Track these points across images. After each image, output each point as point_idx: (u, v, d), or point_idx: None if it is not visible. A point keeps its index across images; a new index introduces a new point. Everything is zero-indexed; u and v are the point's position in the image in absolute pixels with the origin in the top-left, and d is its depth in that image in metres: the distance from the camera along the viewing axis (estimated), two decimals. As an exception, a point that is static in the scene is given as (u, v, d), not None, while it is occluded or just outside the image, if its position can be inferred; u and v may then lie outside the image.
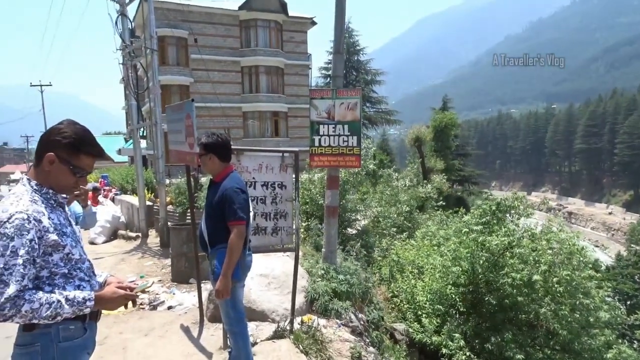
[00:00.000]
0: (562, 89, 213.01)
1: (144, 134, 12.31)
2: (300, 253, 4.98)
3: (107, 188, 15.78)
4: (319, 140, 5.69)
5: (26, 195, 1.75)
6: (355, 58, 34.70)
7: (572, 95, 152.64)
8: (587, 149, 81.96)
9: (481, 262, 6.64)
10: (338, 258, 6.28)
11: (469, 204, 23.44)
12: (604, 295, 7.30)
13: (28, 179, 1.83)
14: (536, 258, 6.60)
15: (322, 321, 4.79)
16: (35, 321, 1.64)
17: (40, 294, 1.65)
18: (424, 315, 6.83)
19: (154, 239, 10.40)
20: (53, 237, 1.74)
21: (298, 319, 4.57)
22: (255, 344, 4.11)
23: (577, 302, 6.48)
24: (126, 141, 34.39)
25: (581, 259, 6.96)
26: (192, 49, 25.93)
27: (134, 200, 12.21)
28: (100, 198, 13.85)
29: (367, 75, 34.95)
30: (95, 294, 1.81)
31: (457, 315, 6.88)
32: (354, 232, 10.27)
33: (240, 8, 27.82)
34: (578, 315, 6.49)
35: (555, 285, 6.44)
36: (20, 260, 1.61)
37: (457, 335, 6.21)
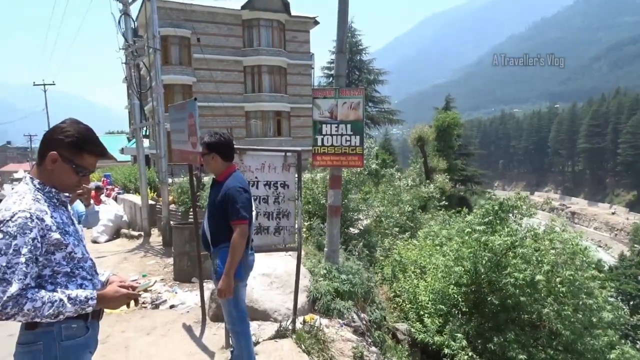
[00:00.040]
0: (565, 88, 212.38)
1: (147, 133, 12.34)
2: (303, 252, 4.98)
3: (109, 187, 15.82)
4: (322, 139, 5.69)
5: (29, 194, 1.75)
6: (358, 58, 34.69)
7: (575, 95, 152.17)
8: (590, 148, 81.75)
9: (484, 262, 6.62)
10: (340, 258, 6.28)
11: (472, 203, 23.40)
12: (607, 295, 7.27)
13: (31, 177, 1.83)
14: (539, 258, 6.58)
15: (325, 321, 4.79)
16: (37, 320, 1.64)
17: (43, 292, 1.65)
18: (426, 315, 6.82)
19: (156, 238, 10.41)
20: (56, 235, 1.74)
21: (300, 319, 4.57)
22: (257, 343, 4.11)
23: (580, 303, 6.46)
24: (129, 140, 34.46)
25: (584, 259, 6.94)
26: (194, 49, 25.97)
27: (136, 199, 12.23)
28: (103, 197, 13.87)
29: (369, 74, 34.94)
30: (98, 292, 1.81)
31: (460, 315, 6.87)
32: (356, 231, 10.27)
33: (243, 7, 27.83)
34: (581, 316, 6.47)
35: (558, 286, 6.41)
36: (22, 259, 1.61)
37: (459, 335, 6.19)
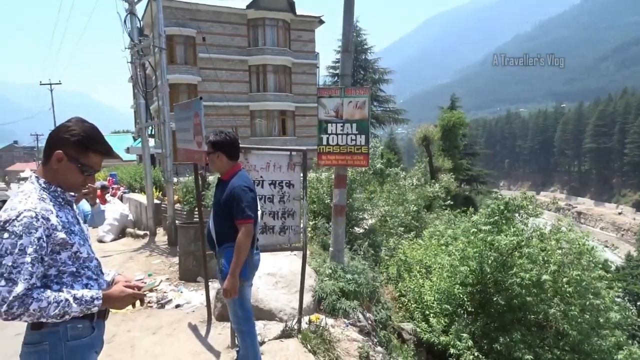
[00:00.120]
0: (571, 88, 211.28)
1: (152, 133, 12.37)
2: (308, 252, 4.96)
3: (115, 186, 15.87)
4: (327, 139, 5.67)
5: (34, 193, 1.74)
6: (363, 57, 34.65)
7: (581, 95, 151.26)
8: (596, 148, 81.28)
9: (489, 261, 6.59)
10: (345, 257, 6.27)
11: (477, 203, 23.33)
12: (614, 296, 7.23)
13: (36, 176, 1.83)
14: (545, 258, 6.54)
15: (330, 320, 4.78)
16: (43, 320, 1.64)
17: (49, 292, 1.65)
18: (431, 314, 6.80)
19: (161, 237, 10.44)
20: (61, 235, 1.74)
21: (306, 318, 4.56)
22: (262, 343, 4.10)
23: (587, 303, 6.42)
24: (134, 140, 34.62)
25: (591, 259, 6.89)
26: (200, 48, 26.03)
27: (142, 198, 12.27)
28: (108, 197, 13.93)
29: (374, 74, 34.89)
30: (103, 292, 1.80)
31: (465, 315, 6.84)
32: (361, 231, 10.25)
33: (248, 7, 27.86)
34: (588, 316, 6.43)
35: (565, 286, 6.38)
36: (28, 259, 1.61)
37: (465, 335, 6.17)
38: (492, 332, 6.53)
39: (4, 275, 1.57)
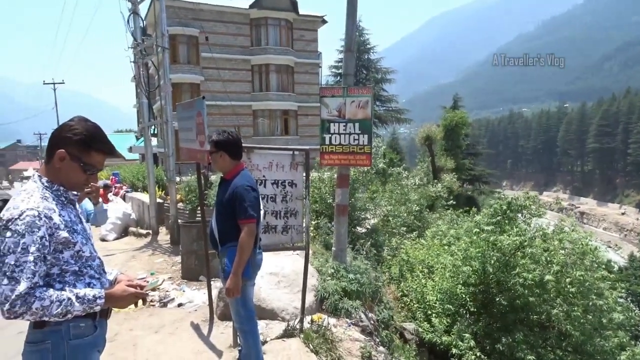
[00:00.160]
0: (574, 87, 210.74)
1: (155, 132, 12.38)
2: (310, 252, 4.96)
3: (118, 185, 15.90)
4: (330, 138, 5.67)
5: (37, 192, 1.75)
6: (366, 57, 34.63)
7: (585, 94, 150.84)
8: (599, 148, 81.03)
9: (492, 261, 6.58)
10: (348, 257, 6.27)
11: (480, 203, 23.31)
12: (617, 296, 7.21)
13: (39, 175, 1.83)
14: (548, 258, 6.53)
15: (332, 320, 4.78)
16: (45, 319, 1.64)
17: (51, 291, 1.65)
18: (433, 314, 6.79)
19: (164, 236, 10.45)
20: (64, 234, 1.74)
21: (308, 318, 4.56)
22: (265, 342, 4.10)
23: (590, 303, 6.40)
24: (137, 139, 34.66)
25: (594, 259, 6.87)
26: (203, 48, 26.04)
27: (144, 197, 12.29)
28: (111, 196, 13.95)
29: (377, 73, 34.88)
30: (106, 291, 1.80)
31: (468, 315, 6.83)
32: (364, 230, 10.25)
33: (251, 6, 27.86)
34: (591, 317, 6.41)
35: (568, 286, 6.36)
36: (31, 257, 1.61)
37: (467, 335, 6.16)
38: (495, 333, 6.52)
39: (7, 274, 1.58)
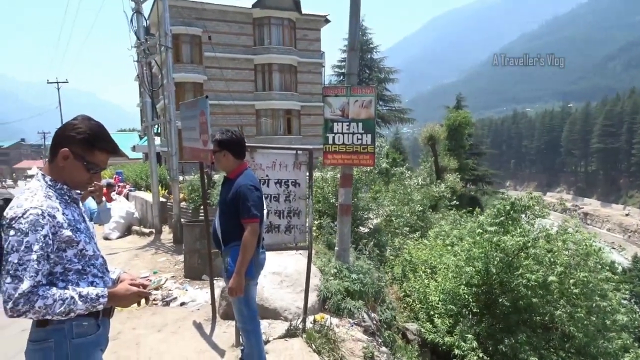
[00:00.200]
0: (578, 87, 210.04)
1: (158, 131, 12.40)
2: (313, 251, 4.96)
3: (121, 184, 15.93)
4: (333, 138, 5.65)
5: (40, 191, 1.75)
6: (369, 56, 34.59)
7: (588, 94, 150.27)
8: (603, 148, 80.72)
9: (495, 262, 6.56)
10: (351, 257, 6.26)
11: (483, 203, 23.25)
12: (621, 298, 7.17)
13: (43, 174, 1.83)
14: (552, 259, 6.50)
15: (335, 320, 4.77)
16: (48, 317, 1.64)
17: (54, 290, 1.65)
18: (436, 315, 6.77)
19: (167, 235, 10.47)
20: (67, 233, 1.74)
21: (310, 318, 4.55)
22: (267, 342, 4.10)
23: (594, 305, 6.36)
24: (140, 138, 34.71)
25: (598, 260, 6.84)
26: (206, 47, 26.08)
27: (147, 196, 12.31)
28: (114, 195, 13.97)
29: (380, 73, 34.84)
30: (109, 290, 1.80)
31: (470, 316, 6.81)
32: (366, 230, 10.23)
33: (254, 6, 27.88)
34: (594, 318, 6.38)
35: (571, 287, 6.33)
36: (34, 256, 1.61)
37: (469, 336, 6.13)
38: (497, 334, 6.50)
39: (10, 272, 1.58)
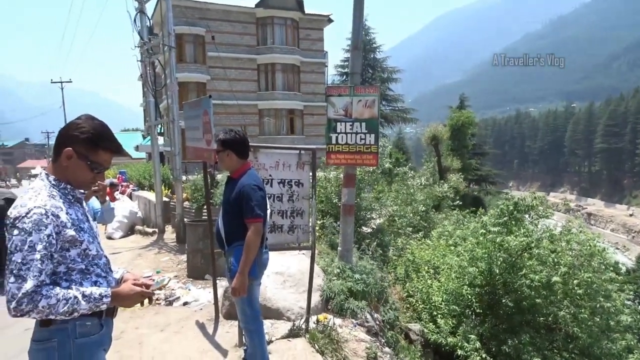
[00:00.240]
0: (582, 87, 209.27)
1: (162, 131, 12.43)
2: (316, 251, 4.95)
3: (124, 184, 15.97)
4: (336, 137, 5.64)
5: (44, 190, 1.74)
6: (372, 56, 34.58)
7: (592, 94, 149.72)
8: (607, 148, 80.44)
9: (499, 262, 6.53)
10: (354, 257, 6.25)
11: (486, 203, 23.20)
12: (625, 298, 7.14)
13: (46, 174, 1.83)
14: (555, 259, 6.47)
15: (338, 320, 4.76)
16: (52, 317, 1.63)
17: (58, 289, 1.64)
18: (439, 315, 6.75)
19: (170, 234, 10.49)
20: (71, 232, 1.73)
21: (313, 318, 4.54)
22: (270, 342, 4.09)
23: (598, 305, 6.33)
24: (144, 138, 34.80)
25: (602, 261, 6.81)
26: (209, 47, 26.12)
27: (151, 196, 12.33)
28: (117, 194, 14.02)
29: (383, 73, 34.81)
30: (112, 290, 1.80)
31: (473, 317, 6.79)
32: (369, 230, 10.22)
33: (257, 5, 27.91)
34: (598, 319, 6.34)
35: (575, 288, 6.30)
36: (37, 256, 1.61)
37: (472, 336, 6.11)
38: (501, 334, 6.47)
39: (14, 271, 1.58)
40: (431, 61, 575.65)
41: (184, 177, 11.19)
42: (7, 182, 49.74)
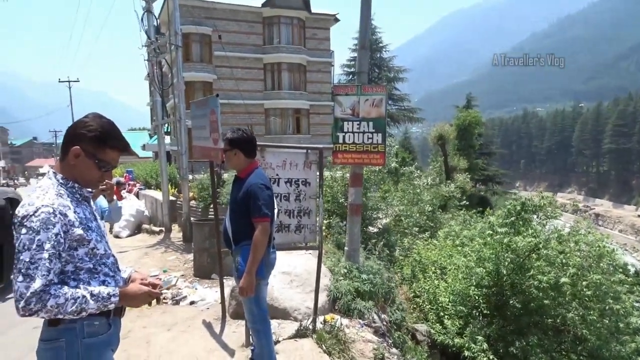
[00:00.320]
0: (590, 87, 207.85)
1: (168, 130, 12.46)
2: (322, 251, 4.93)
3: (131, 183, 16.04)
4: (343, 137, 5.61)
5: (52, 189, 1.74)
6: (378, 55, 34.50)
7: (600, 94, 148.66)
8: (615, 149, 79.81)
9: (506, 263, 6.48)
10: (360, 257, 6.22)
11: (493, 203, 23.06)
12: (634, 300, 7.06)
13: (54, 172, 1.82)
14: (564, 260, 6.41)
15: (345, 321, 4.74)
16: (60, 316, 1.62)
17: (66, 288, 1.64)
18: (446, 316, 6.71)
19: (176, 233, 10.51)
20: (78, 231, 1.72)
21: (320, 318, 4.53)
22: (277, 342, 4.08)
23: (607, 307, 6.26)
24: (151, 137, 34.93)
25: (611, 262, 6.74)
26: (215, 46, 26.17)
27: (157, 195, 12.37)
28: (124, 193, 14.07)
29: (389, 72, 34.73)
30: (120, 290, 1.79)
31: (480, 318, 6.74)
32: (375, 230, 10.18)
33: (264, 5, 27.93)
34: (607, 321, 6.28)
35: (584, 289, 6.24)
36: (46, 255, 1.60)
37: (480, 337, 6.07)
38: (508, 336, 6.42)
39: (22, 271, 1.57)
40: (437, 61, 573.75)
41: (190, 176, 11.20)
42: (15, 181, 50.17)
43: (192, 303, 5.78)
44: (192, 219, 9.18)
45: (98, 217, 1.96)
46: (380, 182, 11.49)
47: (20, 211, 1.65)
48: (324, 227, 8.07)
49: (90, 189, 1.93)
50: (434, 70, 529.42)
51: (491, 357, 5.85)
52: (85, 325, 1.74)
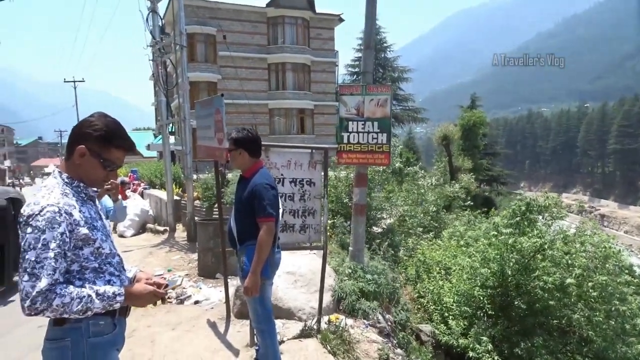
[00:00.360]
0: (595, 87, 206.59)
1: (173, 130, 12.49)
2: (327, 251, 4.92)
3: (136, 182, 16.08)
4: (348, 137, 5.60)
5: (57, 188, 1.73)
6: (382, 55, 34.51)
7: (605, 94, 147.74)
8: (621, 149, 79.37)
9: (511, 264, 6.45)
10: (365, 257, 6.21)
11: (497, 204, 23.01)
12: (640, 302, 7.01)
13: (59, 171, 1.82)
14: (569, 261, 6.38)
15: (349, 321, 4.73)
16: (66, 316, 1.62)
17: (71, 288, 1.64)
18: (450, 317, 6.69)
19: (181, 233, 10.53)
20: (84, 230, 1.72)
21: (325, 318, 4.52)
22: (281, 342, 4.07)
23: (613, 309, 6.22)
24: (155, 137, 35.04)
25: (617, 263, 6.70)
26: (220, 46, 26.20)
27: (162, 194, 12.39)
28: (128, 192, 14.10)
29: (393, 72, 34.74)
30: (125, 289, 1.79)
31: (485, 318, 6.71)
32: (380, 230, 10.17)
33: (268, 5, 27.95)
34: (613, 322, 6.24)
35: (590, 290, 6.20)
36: (51, 254, 1.60)
37: (484, 338, 6.04)
38: (513, 336, 6.39)
39: (27, 270, 1.57)
40: (442, 61, 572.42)
41: (194, 176, 11.23)
42: (21, 180, 50.46)
43: (196, 302, 5.79)
44: (196, 218, 9.19)
45: (103, 217, 1.96)
46: (385, 182, 11.46)
47: (25, 210, 1.65)
48: (328, 227, 8.08)
49: (95, 189, 1.93)
50: (438, 70, 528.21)
51: (496, 358, 5.83)
52: (90, 324, 1.74)
